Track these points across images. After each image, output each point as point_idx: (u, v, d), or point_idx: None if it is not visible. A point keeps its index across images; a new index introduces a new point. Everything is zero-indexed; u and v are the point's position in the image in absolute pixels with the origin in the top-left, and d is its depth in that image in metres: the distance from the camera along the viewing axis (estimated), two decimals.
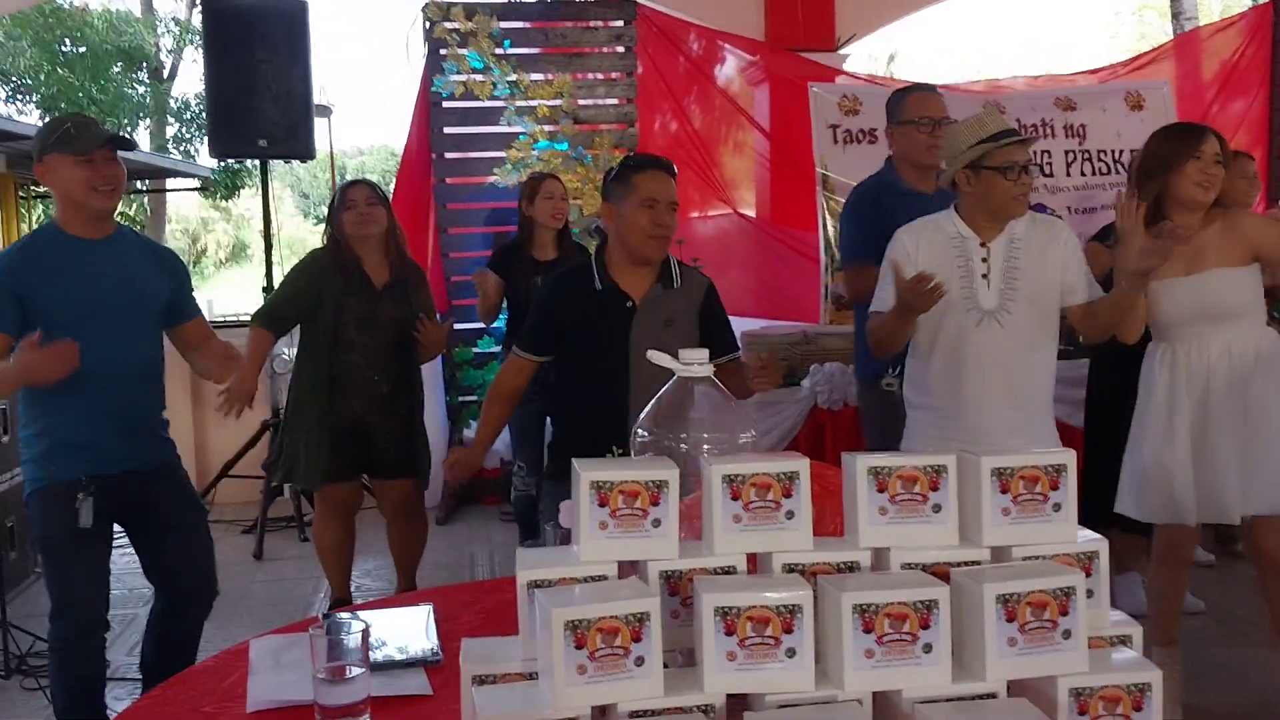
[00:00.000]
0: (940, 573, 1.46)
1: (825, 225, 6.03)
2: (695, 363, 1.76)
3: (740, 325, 5.75)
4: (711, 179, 6.64)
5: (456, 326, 5.81)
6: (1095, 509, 4.26)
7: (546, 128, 6.19)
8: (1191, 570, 3.59)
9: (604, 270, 3.11)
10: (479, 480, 6.26)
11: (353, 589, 4.55)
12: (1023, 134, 2.99)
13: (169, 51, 21.47)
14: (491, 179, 6.22)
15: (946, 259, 2.98)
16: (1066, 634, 1.37)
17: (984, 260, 2.97)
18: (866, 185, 4.02)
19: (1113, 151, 6.27)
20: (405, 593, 3.86)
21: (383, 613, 2.07)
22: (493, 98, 6.14)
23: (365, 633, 1.57)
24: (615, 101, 6.43)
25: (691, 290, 3.17)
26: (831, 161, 6.03)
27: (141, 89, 20.98)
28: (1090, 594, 1.51)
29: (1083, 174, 6.26)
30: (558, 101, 6.19)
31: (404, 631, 1.95)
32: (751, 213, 6.72)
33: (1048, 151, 6.20)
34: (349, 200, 4.13)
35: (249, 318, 4.43)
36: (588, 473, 1.46)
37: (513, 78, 6.12)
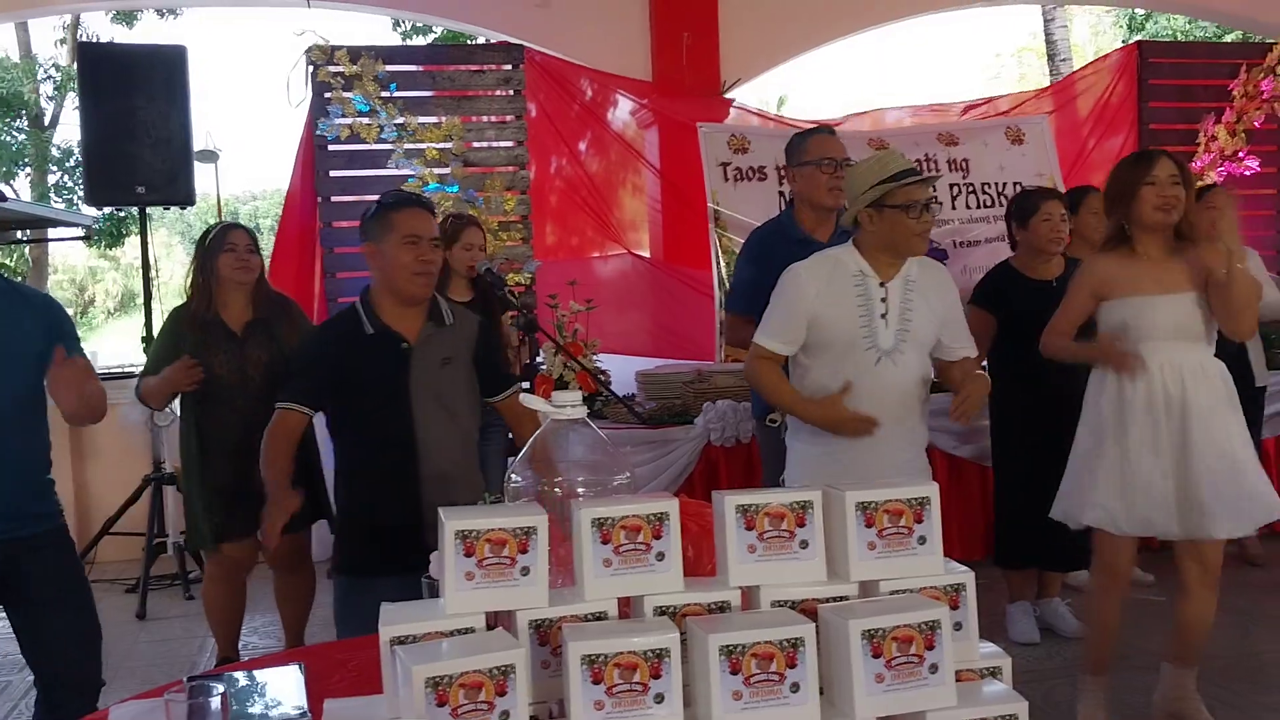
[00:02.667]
0: (809, 609, 1.46)
1: (719, 262, 6.08)
2: (568, 405, 1.74)
3: (635, 364, 5.79)
4: (606, 220, 6.65)
5: None
6: (1013, 537, 4.35)
7: (436, 170, 6.14)
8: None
9: (373, 313, 3.00)
10: None
11: (240, 647, 4.40)
12: (924, 173, 3.05)
13: (49, 98, 20.91)
14: None
15: (848, 296, 3.00)
16: (934, 668, 1.38)
17: (883, 300, 3.01)
18: (763, 231, 4.06)
19: (995, 184, 6.44)
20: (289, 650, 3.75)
21: (251, 674, 2.00)
22: (379, 140, 6.08)
23: (225, 697, 1.51)
24: (506, 144, 6.41)
25: (466, 328, 3.12)
26: (724, 198, 6.09)
27: (21, 136, 20.38)
28: (959, 626, 1.52)
29: (967, 207, 6.42)
30: (447, 144, 6.15)
31: (273, 692, 1.88)
32: (646, 253, 6.74)
33: (932, 185, 6.32)
34: (229, 243, 4.03)
35: (136, 369, 4.30)
36: (453, 522, 1.43)
37: (400, 120, 6.08)
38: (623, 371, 5.66)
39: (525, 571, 1.43)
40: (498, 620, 1.48)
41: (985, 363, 4.42)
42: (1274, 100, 7.05)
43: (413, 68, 6.35)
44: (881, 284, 3.01)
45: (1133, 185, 3.28)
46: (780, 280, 3.09)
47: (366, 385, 2.97)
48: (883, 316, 2.99)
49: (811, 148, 3.84)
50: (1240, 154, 7.04)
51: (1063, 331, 3.43)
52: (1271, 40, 7.25)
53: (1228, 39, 12.09)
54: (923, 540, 1.52)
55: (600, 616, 1.45)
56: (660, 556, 1.46)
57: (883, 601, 1.45)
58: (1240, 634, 4.42)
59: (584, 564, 1.44)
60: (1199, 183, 6.54)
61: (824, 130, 4.04)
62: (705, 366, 5.47)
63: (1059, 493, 3.46)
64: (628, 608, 1.49)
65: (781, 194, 5.95)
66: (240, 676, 1.95)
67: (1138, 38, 13.78)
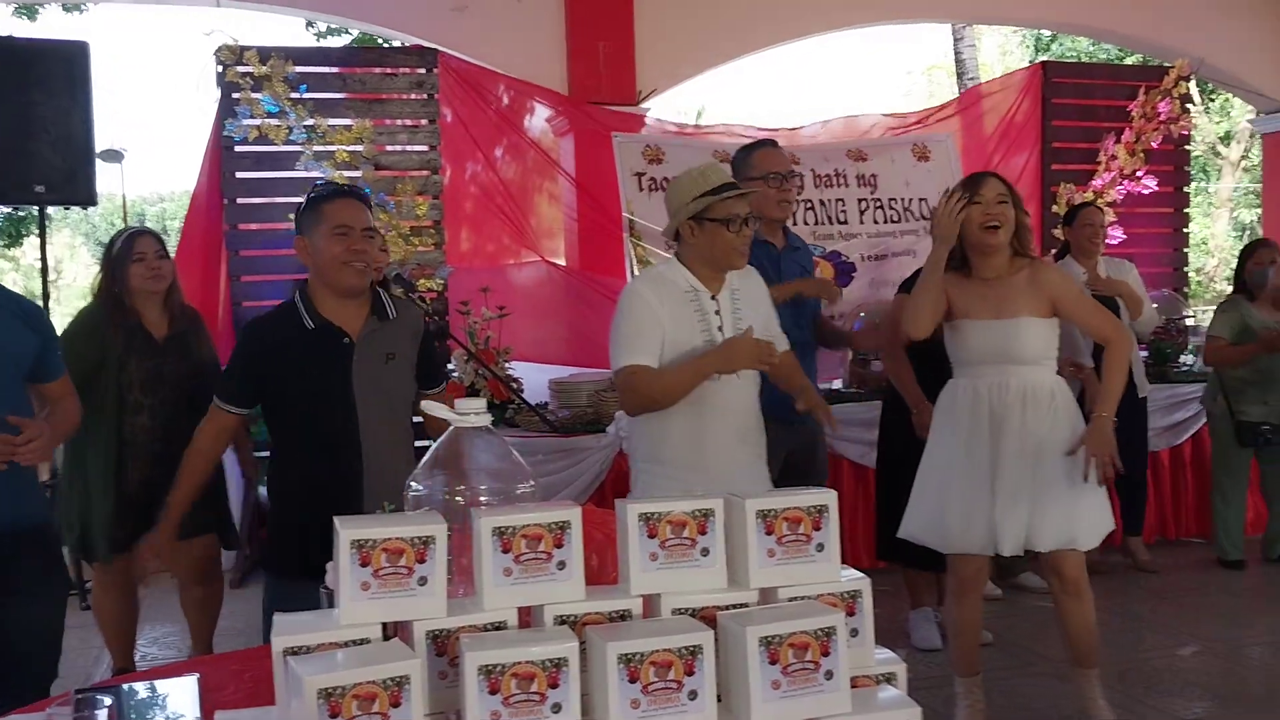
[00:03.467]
0: (709, 616, 1.47)
1: (633, 271, 6.09)
2: (472, 412, 1.73)
3: (550, 373, 5.78)
4: (522, 227, 6.62)
5: None
6: (894, 544, 4.45)
7: (346, 173, 6.06)
8: (982, 602, 3.72)
9: (313, 308, 2.94)
10: None
11: (138, 658, 4.29)
12: (742, 187, 3.06)
13: None
14: (288, 225, 6.04)
15: (686, 314, 3.00)
16: (829, 674, 1.39)
17: (716, 313, 3.03)
18: None
19: (902, 200, 6.55)
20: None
21: (146, 684, 1.95)
22: (288, 142, 5.98)
23: (112, 710, 1.47)
24: (419, 148, 6.35)
25: (409, 322, 3.08)
26: (638, 208, 6.11)
27: None
28: (855, 633, 1.54)
29: (875, 222, 6.52)
30: (358, 147, 6.08)
31: (165, 704, 1.84)
32: (562, 261, 6.73)
33: (842, 200, 6.43)
34: (138, 252, 3.92)
35: None
36: (348, 531, 1.41)
37: (309, 122, 5.98)
38: (536, 380, 5.64)
39: (423, 581, 1.42)
40: (396, 631, 1.46)
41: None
42: (1170, 121, 7.28)
43: (324, 69, 6.26)
44: (712, 297, 3.03)
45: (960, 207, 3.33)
46: (625, 302, 3.05)
47: (307, 382, 2.90)
48: (719, 329, 3.02)
49: (757, 161, 3.88)
50: (1139, 173, 7.25)
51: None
52: (1169, 64, 7.49)
53: (1129, 61, 12.46)
54: (821, 547, 1.54)
55: (500, 626, 1.44)
56: (561, 565, 1.45)
57: (780, 608, 1.46)
58: (1135, 639, 4.56)
59: (483, 573, 1.43)
60: (1096, 200, 6.75)
61: (768, 144, 4.06)
62: None
63: (910, 510, 3.52)
64: (529, 617, 1.48)
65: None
66: (132, 688, 1.89)
67: (1043, 58, 14.14)
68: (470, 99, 6.48)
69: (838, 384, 5.87)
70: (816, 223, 6.32)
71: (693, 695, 1.34)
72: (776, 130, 6.99)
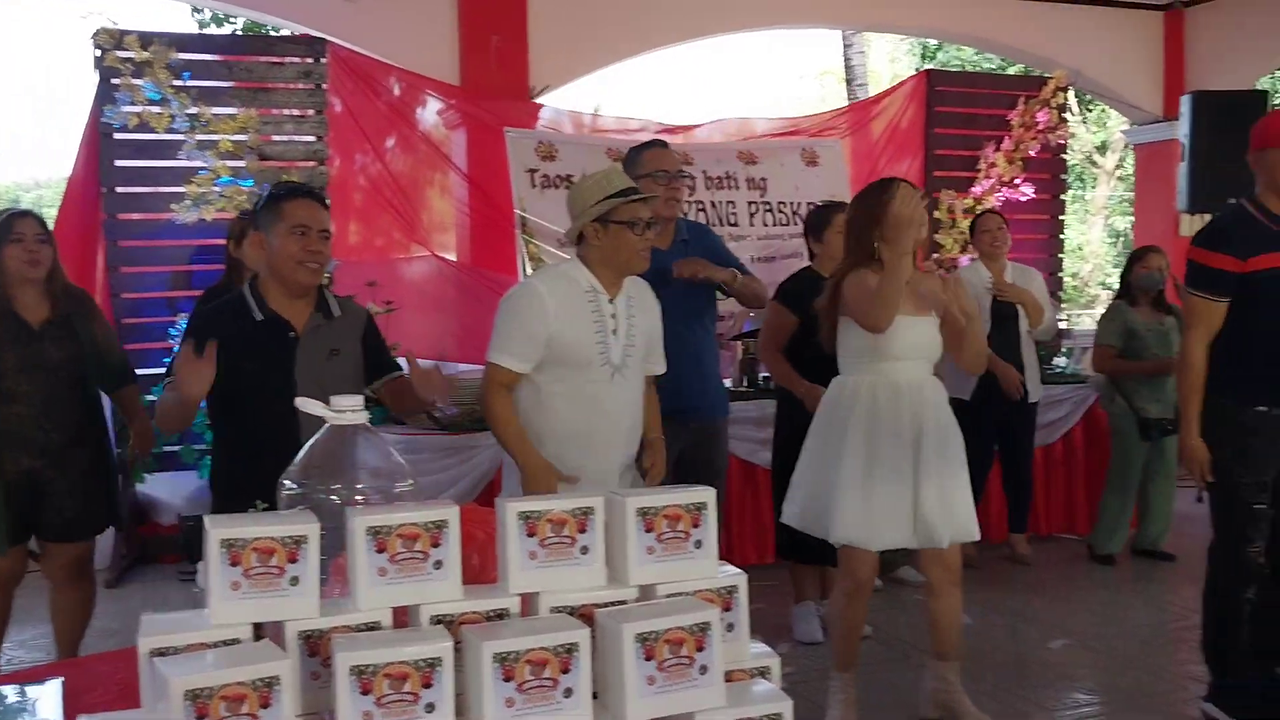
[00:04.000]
0: (588, 614, 1.47)
1: (525, 268, 6.07)
2: (348, 409, 1.71)
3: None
4: (413, 221, 6.55)
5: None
6: (793, 535, 4.53)
7: (230, 163, 5.92)
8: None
9: (262, 301, 3.01)
10: (155, 537, 5.86)
11: (3, 661, 4.13)
12: (644, 193, 3.11)
13: None
14: (170, 215, 5.88)
15: (583, 313, 3.03)
16: (703, 669, 1.41)
17: (613, 316, 3.06)
18: None
19: (791, 204, 6.66)
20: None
21: (9, 688, 1.88)
22: (170, 130, 5.82)
23: None
24: (306, 139, 6.24)
25: (353, 320, 3.14)
26: (530, 205, 6.09)
27: None
28: (731, 628, 1.56)
29: (765, 224, 6.61)
30: (242, 136, 5.94)
31: (25, 710, 1.77)
32: (452, 256, 6.67)
33: (732, 202, 6.51)
34: (16, 233, 3.76)
35: None
36: (217, 530, 1.38)
37: (193, 110, 5.83)
38: None
39: (295, 581, 1.40)
40: (269, 631, 1.44)
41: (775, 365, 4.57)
42: (1048, 131, 7.52)
43: (209, 57, 6.11)
44: (610, 300, 3.06)
45: (881, 208, 3.36)
46: (516, 297, 3.08)
47: (251, 371, 2.93)
48: (613, 332, 3.05)
49: (646, 160, 3.90)
50: (1017, 180, 7.48)
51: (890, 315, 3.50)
52: (1049, 75, 7.75)
53: (1011, 71, 12.84)
54: (699, 544, 1.56)
55: (374, 626, 1.43)
56: (438, 565, 1.44)
57: (656, 605, 1.48)
58: (1009, 632, 4.70)
59: (358, 573, 1.42)
60: (979, 207, 6.96)
61: (658, 144, 4.10)
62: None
63: (800, 500, 3.56)
64: (405, 617, 1.47)
65: None
66: None
67: (929, 66, 14.49)
68: (360, 90, 6.39)
69: (728, 383, 5.92)
70: (707, 223, 6.37)
71: (568, 693, 1.34)
72: (672, 128, 7.05)
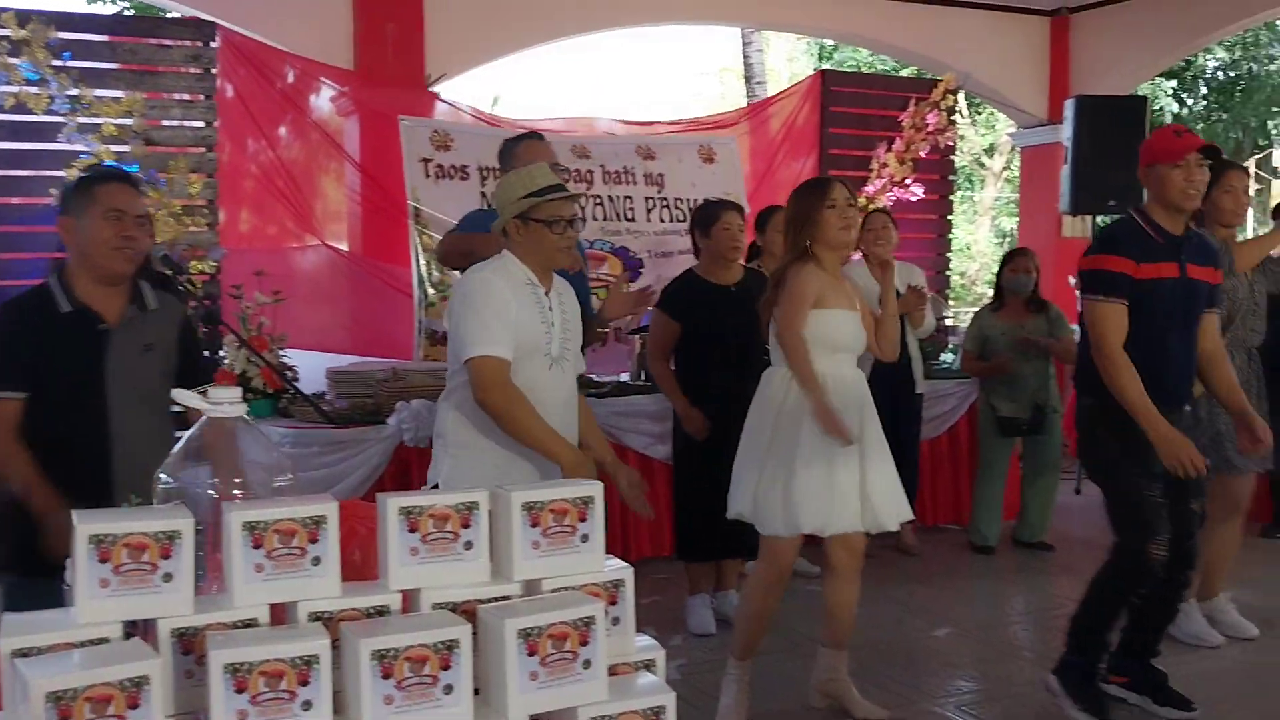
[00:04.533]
0: (471, 610, 1.46)
1: (418, 260, 6.00)
2: (225, 401, 1.67)
3: (329, 361, 5.62)
4: (304, 210, 6.42)
5: None
6: (692, 531, 4.56)
7: (114, 148, 5.72)
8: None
9: (69, 291, 2.82)
10: None
11: None
12: (570, 190, 3.09)
13: None
14: (50, 200, 5.67)
15: (530, 304, 3.02)
16: (587, 664, 1.41)
17: (550, 309, 3.06)
18: (470, 216, 4.09)
19: (688, 200, 6.68)
20: None
21: None
22: (49, 112, 5.60)
23: None
24: (194, 124, 6.06)
25: (170, 313, 3.00)
26: (424, 195, 6.01)
27: None
28: (616, 621, 1.57)
29: (662, 220, 6.63)
30: (127, 120, 5.75)
31: None
32: (344, 246, 6.56)
33: (630, 197, 6.51)
34: None
35: None
36: (86, 525, 1.34)
37: (74, 92, 5.62)
38: (315, 368, 5.48)
39: (168, 578, 1.36)
40: (141, 630, 1.40)
41: (674, 367, 4.61)
42: (938, 132, 7.68)
43: (91, 37, 5.89)
44: (546, 293, 3.06)
45: (816, 208, 3.50)
46: (478, 289, 2.99)
47: (58, 369, 2.76)
48: (551, 325, 3.05)
49: (522, 153, 3.88)
50: (908, 181, 7.63)
51: (801, 331, 3.49)
52: (939, 77, 7.92)
53: (904, 73, 13.10)
54: (585, 538, 1.56)
55: (251, 624, 1.40)
56: (316, 561, 1.42)
57: (540, 600, 1.48)
58: (895, 621, 4.80)
59: (233, 569, 1.39)
60: (871, 206, 7.08)
61: (534, 136, 4.08)
62: (401, 365, 5.37)
63: (744, 495, 3.57)
64: (283, 614, 1.44)
65: (484, 194, 5.94)
66: None
67: (825, 67, 14.70)
68: (251, 75, 6.23)
69: (625, 376, 5.95)
70: (605, 218, 6.38)
71: (448, 690, 1.33)
72: (573, 122, 7.04)
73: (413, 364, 5.53)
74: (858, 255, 6.86)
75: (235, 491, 1.60)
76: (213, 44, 6.07)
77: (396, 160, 6.05)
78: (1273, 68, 16.02)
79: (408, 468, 4.81)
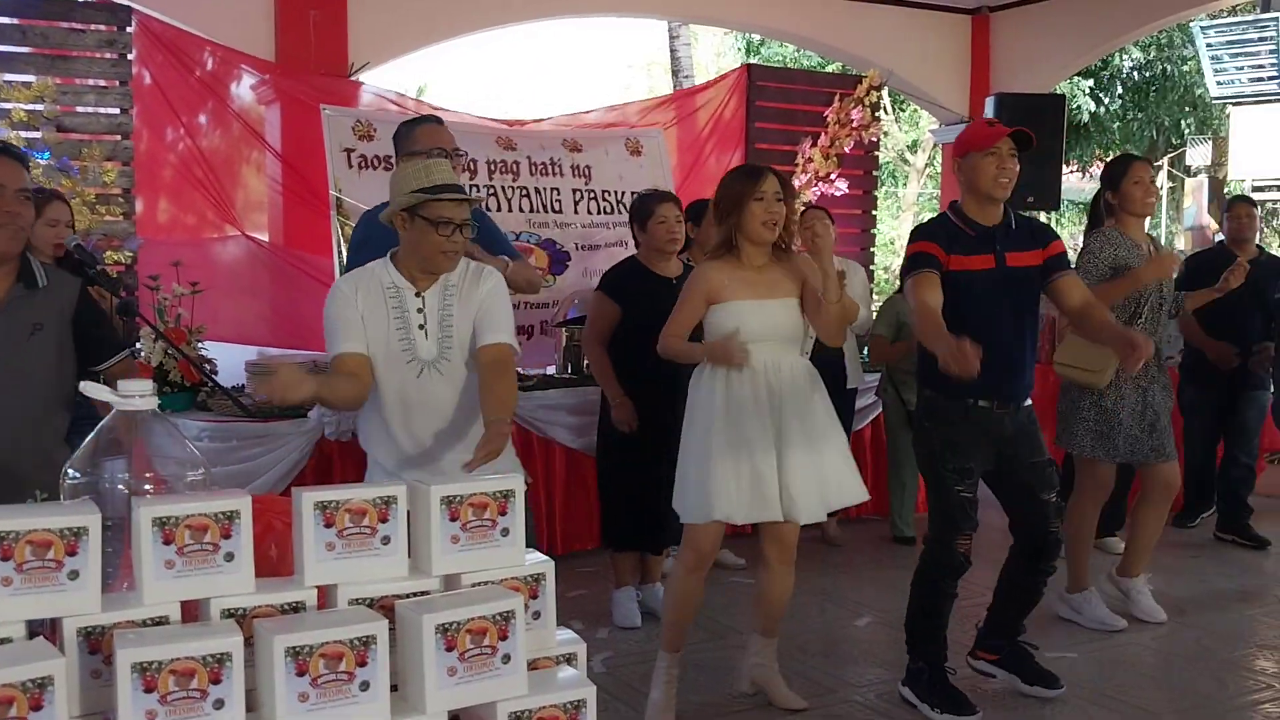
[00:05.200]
0: (389, 605, 1.45)
1: (340, 251, 5.91)
2: (136, 394, 1.63)
3: (248, 353, 5.52)
4: (224, 200, 6.29)
5: None
6: (615, 522, 4.57)
7: (25, 134, 5.56)
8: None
9: None
10: None
11: None
12: (468, 192, 3.00)
13: None
14: None
15: (382, 310, 2.95)
16: (506, 658, 1.40)
17: (420, 310, 2.96)
18: (370, 212, 4.00)
19: (615, 193, 6.67)
20: None
21: None
22: None
23: None
24: (109, 111, 5.92)
25: (61, 291, 2.88)
26: (346, 186, 5.92)
27: None
28: (537, 615, 1.56)
29: (589, 212, 6.61)
30: (37, 106, 5.59)
31: None
32: (265, 236, 6.44)
33: (557, 189, 6.48)
34: None
35: None
36: None
37: None
38: (235, 361, 5.37)
39: (74, 575, 1.33)
40: (48, 629, 1.37)
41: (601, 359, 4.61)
42: (862, 128, 7.77)
43: (1, 20, 5.72)
44: (417, 294, 2.97)
45: (742, 198, 3.46)
46: (328, 300, 3.03)
47: None
48: (421, 327, 2.96)
49: (420, 137, 3.82)
50: (832, 176, 7.70)
51: (677, 334, 3.56)
52: (864, 74, 8.00)
53: (829, 69, 13.22)
54: (505, 532, 1.55)
55: (161, 621, 1.37)
56: (229, 557, 1.39)
57: (459, 595, 1.47)
58: (818, 611, 4.85)
59: (143, 566, 1.36)
60: (796, 202, 7.13)
61: (432, 120, 4.00)
62: (322, 358, 5.28)
63: (678, 491, 3.57)
64: (196, 611, 1.41)
65: None
66: None
67: (752, 61, 14.78)
68: (169, 62, 6.09)
69: (551, 369, 5.93)
70: (532, 210, 6.35)
71: (365, 686, 1.31)
72: (498, 121, 6.98)
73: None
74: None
75: (146, 486, 1.57)
76: (128, 29, 5.92)
77: (318, 150, 5.96)
78: (1186, 68, 16.45)
79: (329, 462, 4.75)
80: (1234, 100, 14.91)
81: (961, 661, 3.99)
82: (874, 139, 8.03)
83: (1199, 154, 16.75)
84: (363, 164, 5.95)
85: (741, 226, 3.49)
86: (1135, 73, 16.82)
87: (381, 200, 4.99)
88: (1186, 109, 17.01)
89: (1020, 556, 3.82)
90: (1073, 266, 3.94)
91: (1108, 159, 20.67)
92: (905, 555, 5.76)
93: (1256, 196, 10.19)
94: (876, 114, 7.93)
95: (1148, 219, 4.63)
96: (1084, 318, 3.73)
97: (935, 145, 14.37)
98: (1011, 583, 3.86)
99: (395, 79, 6.93)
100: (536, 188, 6.45)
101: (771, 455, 3.45)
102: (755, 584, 3.76)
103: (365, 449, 3.18)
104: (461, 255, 3.00)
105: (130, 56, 5.95)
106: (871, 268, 8.48)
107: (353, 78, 6.53)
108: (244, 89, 6.39)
